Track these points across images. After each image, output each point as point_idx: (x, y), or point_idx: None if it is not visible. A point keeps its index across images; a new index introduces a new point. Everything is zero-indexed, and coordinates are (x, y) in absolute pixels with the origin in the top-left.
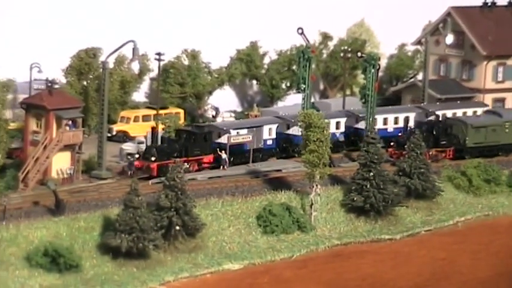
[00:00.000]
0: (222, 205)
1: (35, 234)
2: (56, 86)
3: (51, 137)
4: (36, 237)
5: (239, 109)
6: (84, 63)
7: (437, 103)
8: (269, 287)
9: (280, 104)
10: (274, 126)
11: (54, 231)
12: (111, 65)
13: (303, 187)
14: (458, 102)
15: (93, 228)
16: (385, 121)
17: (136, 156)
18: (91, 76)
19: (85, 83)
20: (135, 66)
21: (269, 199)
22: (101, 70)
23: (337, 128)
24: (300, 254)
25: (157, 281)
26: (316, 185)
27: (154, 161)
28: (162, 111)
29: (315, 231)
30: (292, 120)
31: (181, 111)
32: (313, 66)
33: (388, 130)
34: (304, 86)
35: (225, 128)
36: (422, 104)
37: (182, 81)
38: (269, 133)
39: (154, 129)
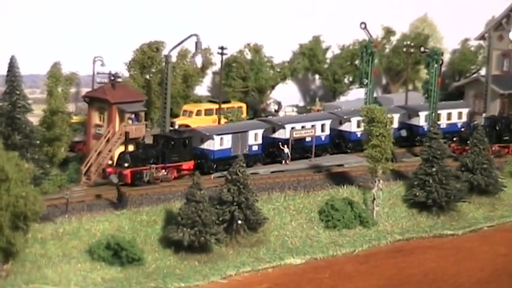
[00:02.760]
0: (284, 199)
1: (97, 227)
2: (119, 80)
3: (113, 131)
4: (98, 231)
5: (301, 103)
6: (147, 57)
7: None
8: (331, 282)
9: (342, 98)
10: (260, 132)
11: (116, 225)
12: (174, 59)
13: (365, 182)
14: None
15: (155, 222)
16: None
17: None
18: (154, 70)
19: (148, 76)
20: (198, 60)
21: (331, 194)
22: (164, 64)
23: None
24: (361, 249)
25: (219, 275)
26: (379, 180)
27: (128, 167)
28: (224, 105)
29: (377, 226)
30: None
31: (244, 106)
32: (376, 61)
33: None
34: (366, 81)
35: (208, 134)
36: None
37: (245, 76)
38: (255, 138)
39: (127, 134)
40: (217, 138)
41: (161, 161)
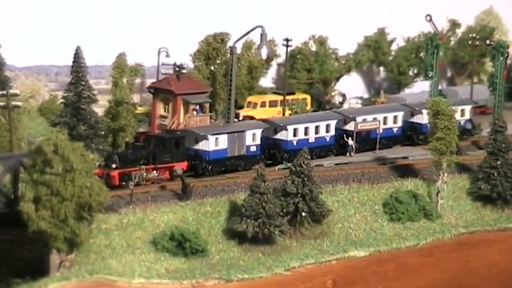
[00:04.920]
0: (348, 192)
1: (161, 218)
2: (184, 71)
3: (178, 122)
4: (162, 222)
5: (366, 96)
6: (212, 48)
7: None
8: (395, 275)
9: (407, 91)
10: (258, 131)
11: (180, 216)
12: (239, 50)
13: (430, 175)
14: None
15: (219, 213)
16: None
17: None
18: (219, 61)
19: (213, 68)
20: (263, 52)
21: (396, 186)
22: (229, 55)
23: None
24: (425, 242)
25: (283, 266)
26: (443, 173)
27: (115, 168)
28: (289, 97)
29: (441, 219)
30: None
31: (308, 97)
32: (441, 53)
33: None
34: (431, 73)
35: (202, 134)
36: None
37: (309, 67)
38: (253, 139)
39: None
40: (212, 138)
41: (152, 161)
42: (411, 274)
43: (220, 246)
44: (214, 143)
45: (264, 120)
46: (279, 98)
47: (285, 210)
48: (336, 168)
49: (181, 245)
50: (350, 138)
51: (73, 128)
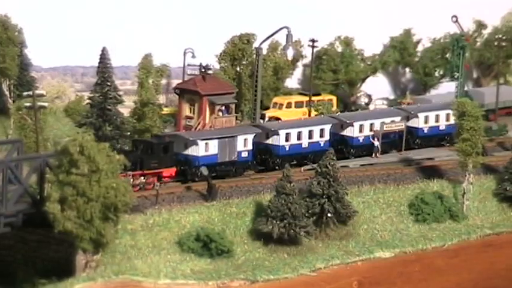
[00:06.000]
0: (373, 193)
1: (187, 219)
2: (210, 72)
3: (204, 123)
4: (188, 222)
5: (391, 97)
6: (238, 49)
7: None
8: (421, 276)
9: (433, 92)
10: (250, 137)
11: (206, 217)
12: (264, 51)
13: (456, 176)
14: None
15: (244, 214)
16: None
17: None
18: (244, 62)
19: (238, 68)
20: (289, 53)
21: (421, 187)
22: (255, 56)
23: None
24: (451, 243)
25: (308, 267)
26: (469, 174)
27: None
28: (314, 98)
29: (467, 221)
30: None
31: (334, 98)
32: (467, 54)
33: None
34: (457, 75)
35: (191, 139)
36: None
37: (335, 68)
38: (244, 144)
39: None
40: (201, 143)
41: (139, 167)
42: (437, 275)
43: (246, 247)
44: (204, 148)
45: (256, 125)
46: (305, 98)
47: (310, 211)
48: (361, 169)
49: (207, 245)
50: (376, 139)
51: (99, 129)
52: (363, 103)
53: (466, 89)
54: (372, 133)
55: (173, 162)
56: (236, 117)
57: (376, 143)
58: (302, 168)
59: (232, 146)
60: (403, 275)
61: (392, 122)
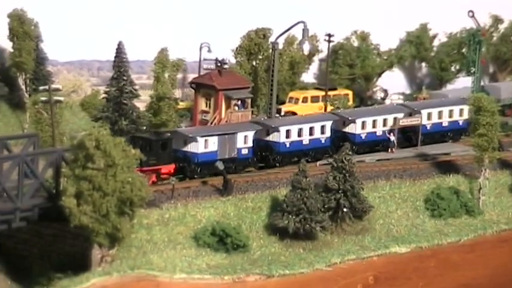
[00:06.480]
0: (389, 188)
1: (202, 213)
2: (226, 66)
3: (220, 117)
4: (203, 217)
5: (407, 91)
6: (254, 44)
7: None
8: (436, 271)
9: (449, 87)
10: (250, 134)
11: (221, 211)
12: (280, 46)
13: (472, 171)
14: None
15: (260, 209)
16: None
17: None
18: (261, 56)
19: (254, 63)
20: (305, 47)
21: (437, 182)
22: (271, 51)
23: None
24: (467, 238)
25: (324, 262)
26: (485, 169)
27: None
28: (330, 93)
29: (483, 216)
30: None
31: (350, 93)
32: (483, 49)
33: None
34: (474, 69)
35: (191, 135)
36: None
37: (351, 63)
38: (244, 141)
39: None
40: (201, 140)
41: (138, 164)
42: (453, 270)
43: (262, 241)
44: (204, 145)
45: (256, 122)
46: (321, 93)
47: (326, 206)
48: (377, 164)
49: (223, 240)
50: (392, 134)
51: (115, 123)
52: (379, 98)
53: (482, 84)
54: (385, 129)
55: (172, 159)
56: (252, 111)
57: (392, 138)
58: (318, 163)
59: (232, 143)
60: (419, 270)
61: (408, 117)
